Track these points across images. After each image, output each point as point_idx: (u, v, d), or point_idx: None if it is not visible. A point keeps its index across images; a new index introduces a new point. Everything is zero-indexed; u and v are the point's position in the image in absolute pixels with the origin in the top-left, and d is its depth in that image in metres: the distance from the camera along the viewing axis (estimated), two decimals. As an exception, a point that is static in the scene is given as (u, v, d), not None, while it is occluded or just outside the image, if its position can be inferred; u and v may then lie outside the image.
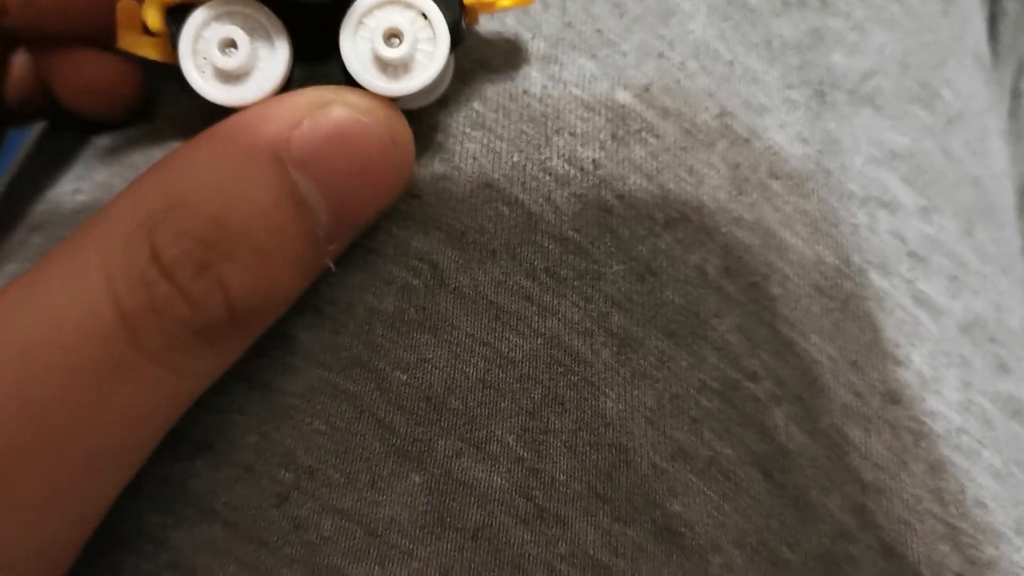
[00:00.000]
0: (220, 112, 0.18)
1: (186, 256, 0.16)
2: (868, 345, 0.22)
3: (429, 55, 0.18)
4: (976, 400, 0.22)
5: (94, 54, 0.22)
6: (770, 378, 0.21)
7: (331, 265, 0.18)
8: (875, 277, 0.22)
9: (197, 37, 0.18)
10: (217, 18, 0.18)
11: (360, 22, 0.18)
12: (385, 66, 0.18)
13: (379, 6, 0.18)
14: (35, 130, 0.26)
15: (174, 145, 0.22)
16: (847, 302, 0.22)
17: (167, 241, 0.16)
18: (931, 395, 0.22)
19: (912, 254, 0.23)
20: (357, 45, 0.18)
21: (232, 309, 0.16)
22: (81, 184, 0.22)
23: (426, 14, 0.18)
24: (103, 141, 0.23)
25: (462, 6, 0.18)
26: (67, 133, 0.24)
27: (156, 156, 0.22)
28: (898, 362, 0.22)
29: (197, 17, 0.18)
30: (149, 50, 0.19)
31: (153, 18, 0.18)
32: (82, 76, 0.22)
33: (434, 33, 0.18)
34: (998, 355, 0.23)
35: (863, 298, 0.22)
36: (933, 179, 0.24)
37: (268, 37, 0.18)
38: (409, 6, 0.18)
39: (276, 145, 0.17)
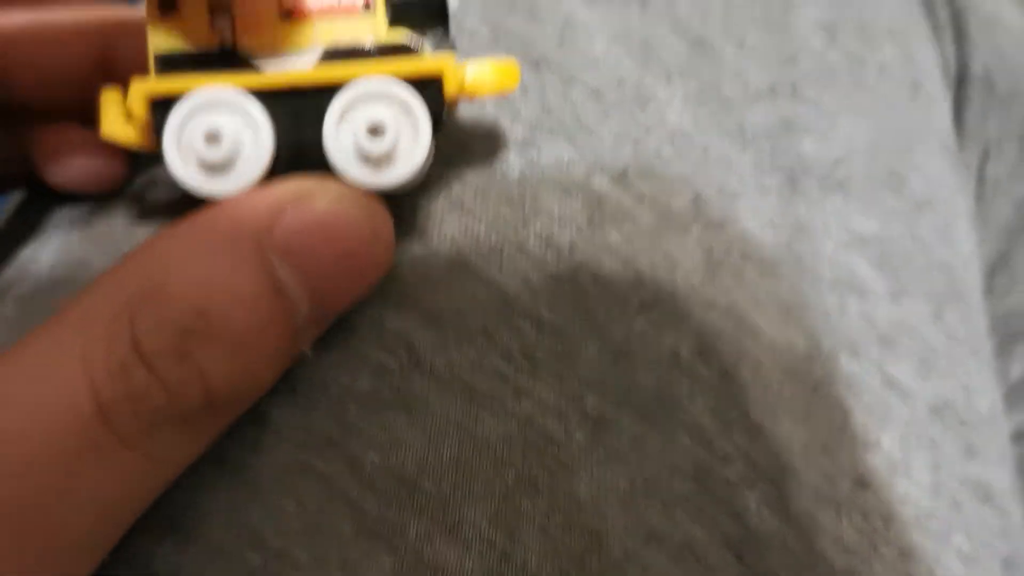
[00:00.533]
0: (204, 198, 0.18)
1: (166, 344, 0.16)
2: (838, 429, 0.22)
3: (411, 147, 0.18)
4: (946, 483, 0.23)
5: (77, 128, 0.22)
6: (742, 461, 0.21)
7: (309, 352, 0.18)
8: (845, 361, 0.22)
9: (182, 128, 0.18)
10: (202, 109, 0.18)
11: (343, 115, 0.18)
12: (367, 159, 0.18)
13: (362, 99, 0.18)
14: (12, 199, 0.26)
15: (154, 220, 0.22)
16: (818, 386, 0.22)
17: (147, 329, 0.16)
18: (901, 478, 0.22)
19: (882, 338, 0.23)
20: (340, 138, 0.18)
21: (210, 397, 0.16)
22: (59, 257, 0.22)
23: (408, 106, 0.18)
24: (81, 212, 0.23)
25: (443, 97, 0.18)
26: (45, 202, 0.24)
27: (136, 231, 0.22)
28: (868, 446, 0.22)
29: (182, 108, 0.18)
30: (133, 138, 0.19)
31: (138, 108, 0.18)
32: (64, 150, 0.22)
33: (416, 125, 0.18)
34: (967, 438, 0.24)
35: (833, 382, 0.22)
36: (902, 263, 0.24)
37: (253, 127, 0.18)
38: (392, 99, 0.18)
39: (258, 234, 0.17)
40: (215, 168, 0.18)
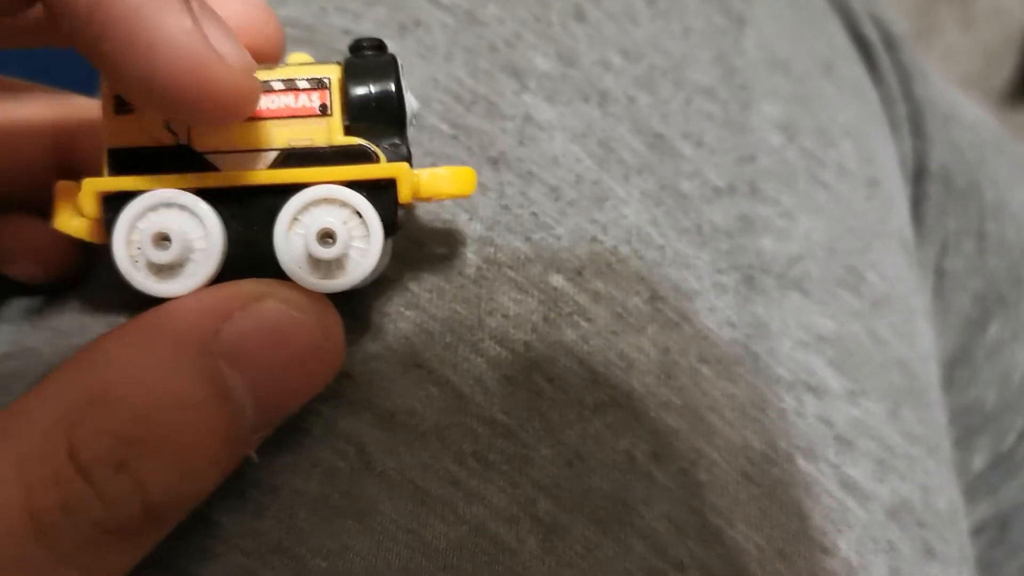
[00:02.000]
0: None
1: (104, 454, 0.15)
2: (795, 533, 0.22)
3: (362, 253, 0.18)
4: (904, 588, 0.22)
5: (30, 220, 0.22)
6: (697, 568, 0.21)
7: (254, 456, 0.18)
8: (802, 462, 0.22)
9: (131, 228, 0.18)
10: (152, 209, 0.18)
11: (295, 219, 0.18)
12: (318, 264, 0.18)
13: (314, 203, 0.18)
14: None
15: (107, 313, 0.22)
16: (774, 489, 0.22)
17: (86, 438, 0.15)
18: None
19: (839, 438, 0.23)
20: (291, 242, 0.18)
21: (149, 509, 0.16)
22: (10, 349, 0.22)
23: (360, 212, 0.18)
24: (35, 302, 0.23)
25: (396, 204, 0.19)
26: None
27: (89, 324, 0.22)
28: (825, 550, 0.22)
29: (132, 209, 0.18)
30: (84, 232, 0.19)
31: (89, 205, 0.18)
32: (18, 241, 0.22)
33: (368, 231, 0.18)
34: (925, 539, 0.23)
35: (790, 484, 0.22)
36: (860, 362, 0.25)
37: (204, 228, 0.18)
38: (344, 204, 0.18)
39: (204, 337, 0.17)
40: (164, 269, 0.18)
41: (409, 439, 0.20)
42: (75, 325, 0.22)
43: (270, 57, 0.21)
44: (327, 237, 0.18)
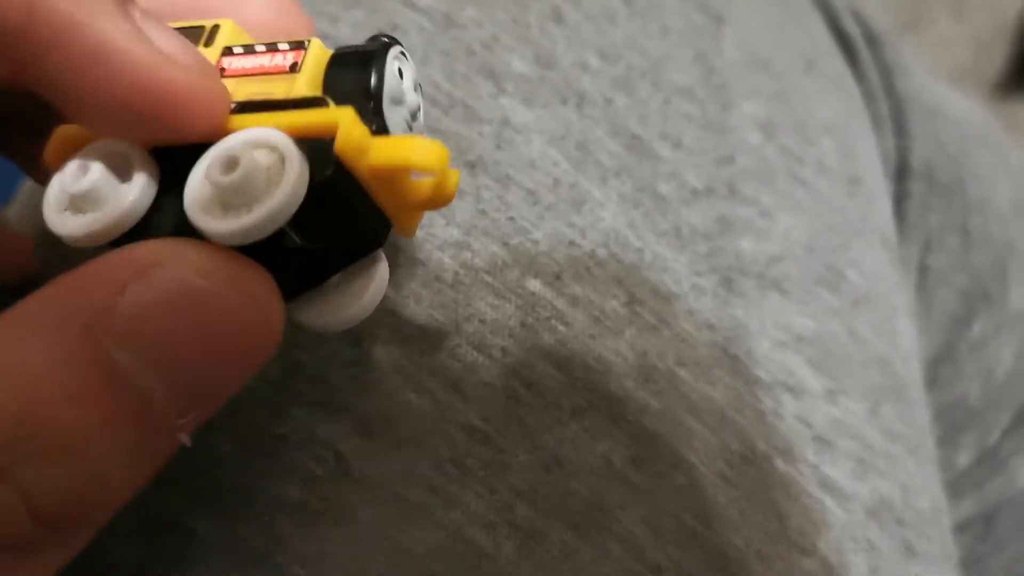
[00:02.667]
0: None
1: None
2: (773, 535, 0.22)
3: (274, 194, 0.15)
4: (884, 588, 0.22)
5: None
6: (674, 571, 0.21)
7: (186, 441, 0.15)
8: (780, 463, 0.22)
9: (63, 174, 0.16)
10: (88, 153, 0.16)
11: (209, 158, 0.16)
12: (220, 202, 0.15)
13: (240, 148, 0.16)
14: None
15: None
16: (753, 490, 0.22)
17: None
18: None
19: (817, 438, 0.23)
20: (199, 186, 0.16)
21: (41, 519, 0.14)
22: None
23: (281, 151, 0.15)
24: None
25: (331, 152, 0.15)
26: None
27: None
28: (804, 551, 0.22)
29: (78, 155, 0.16)
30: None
31: (52, 151, 0.17)
32: None
33: (284, 163, 0.15)
34: (905, 538, 0.23)
35: (768, 486, 0.22)
36: (839, 361, 0.25)
37: (130, 176, 0.16)
38: (272, 149, 0.16)
39: (91, 318, 0.14)
40: (80, 205, 0.16)
41: (387, 445, 0.20)
42: None
43: None
44: (230, 165, 0.15)
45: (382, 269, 0.18)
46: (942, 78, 0.37)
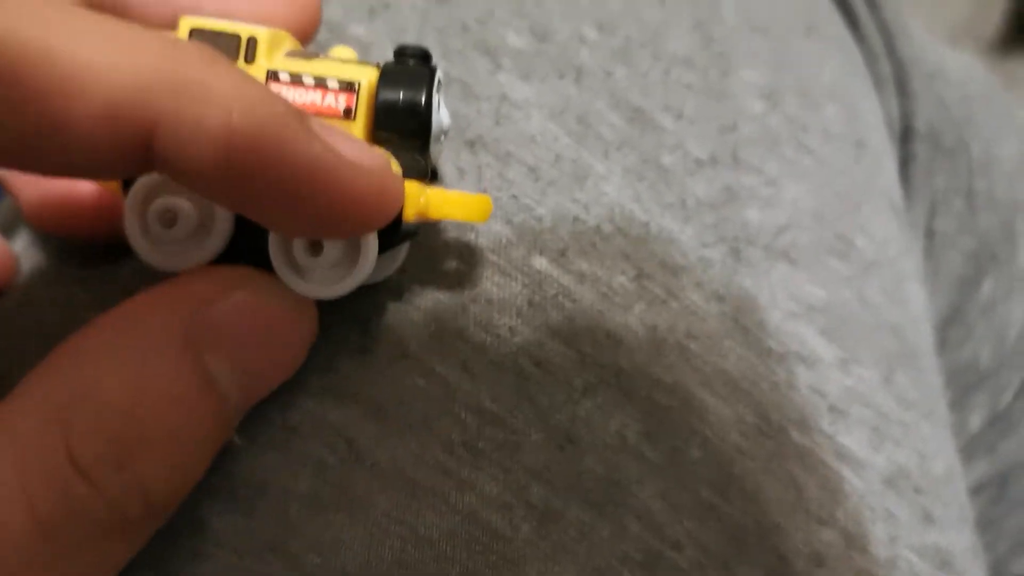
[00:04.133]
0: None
1: (102, 455, 0.16)
2: (791, 506, 0.21)
3: (350, 266, 0.18)
4: (903, 555, 0.22)
5: None
6: (693, 546, 0.20)
7: (236, 439, 0.19)
8: (795, 434, 0.22)
9: (144, 203, 0.18)
10: (163, 188, 0.18)
11: None
12: (301, 269, 0.18)
13: None
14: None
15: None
16: (769, 462, 0.22)
17: (82, 440, 0.15)
18: (857, 553, 0.22)
19: (832, 408, 0.23)
20: (284, 244, 0.18)
21: (150, 504, 0.16)
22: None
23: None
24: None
25: (399, 218, 0.18)
26: None
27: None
28: (822, 521, 0.22)
29: (141, 185, 0.18)
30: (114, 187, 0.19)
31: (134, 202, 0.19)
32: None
33: (359, 247, 0.18)
34: (923, 505, 0.23)
35: (784, 457, 0.22)
36: (851, 330, 0.24)
37: (211, 211, 0.18)
38: None
39: (185, 328, 0.17)
40: (168, 244, 0.18)
41: (398, 430, 0.20)
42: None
43: (304, 35, 0.20)
44: (316, 246, 0.18)
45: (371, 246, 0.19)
46: (940, 36, 0.37)
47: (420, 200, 0.18)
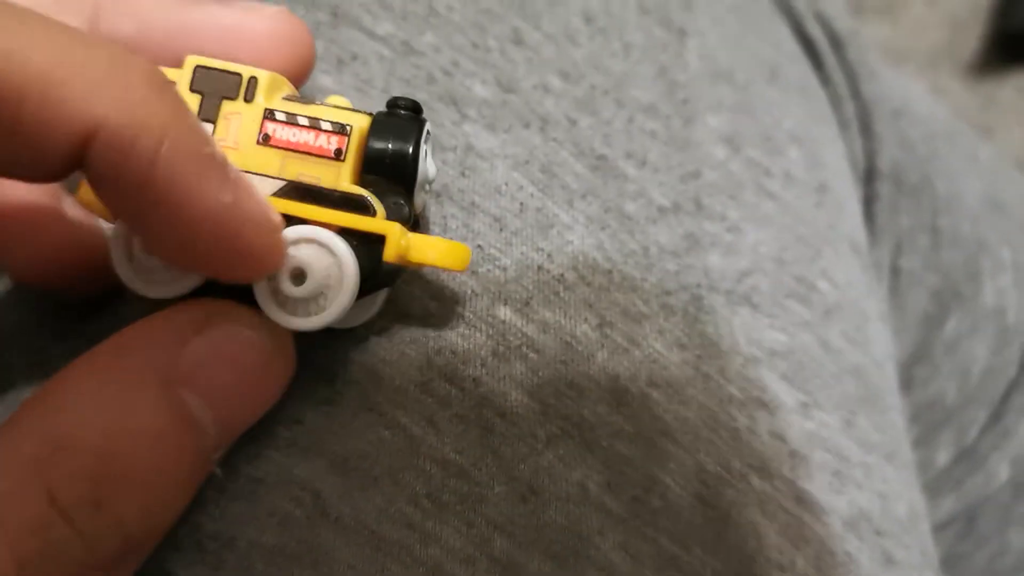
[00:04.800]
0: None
1: (81, 496, 0.16)
2: (751, 554, 0.22)
3: (332, 300, 0.19)
4: (863, 599, 0.23)
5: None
6: None
7: (218, 471, 0.19)
8: (756, 481, 0.22)
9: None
10: None
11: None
12: (286, 300, 0.19)
13: (302, 241, 0.19)
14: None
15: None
16: (729, 510, 0.22)
17: (62, 481, 0.16)
18: None
19: (793, 453, 0.23)
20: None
21: (127, 541, 0.17)
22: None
23: (340, 263, 0.19)
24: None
25: (379, 260, 0.19)
26: None
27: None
28: (782, 568, 0.22)
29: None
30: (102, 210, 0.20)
31: (84, 193, 0.19)
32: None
33: (342, 282, 0.19)
34: (884, 548, 0.24)
35: (745, 504, 0.22)
36: (812, 374, 0.25)
37: None
38: (328, 249, 0.19)
39: (163, 366, 0.17)
40: (152, 272, 0.19)
41: (363, 483, 0.20)
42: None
43: (299, 75, 0.21)
44: (299, 276, 0.19)
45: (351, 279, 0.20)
46: (918, 60, 0.37)
47: (401, 243, 0.19)
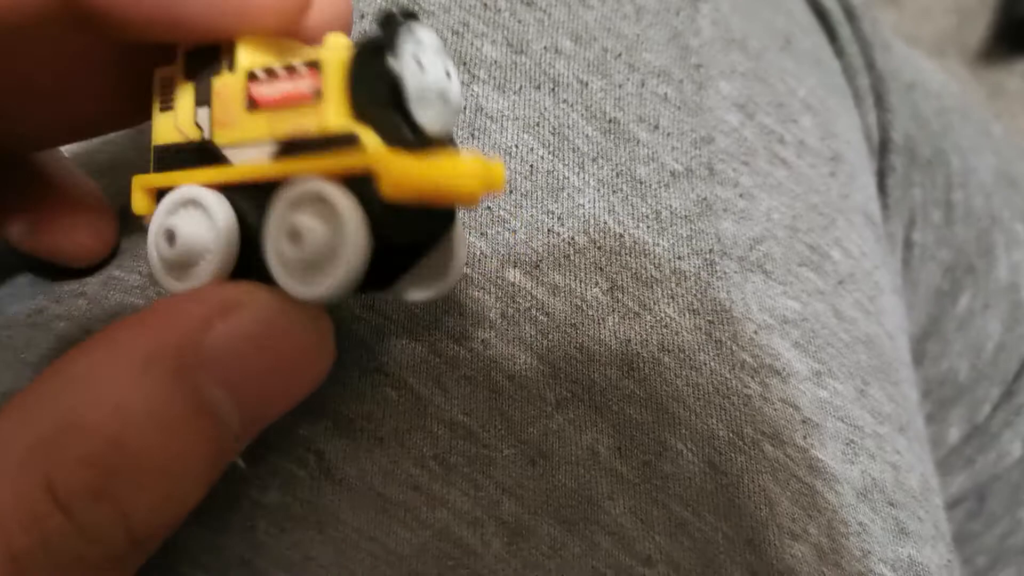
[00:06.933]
0: None
1: (82, 485, 0.14)
2: (763, 521, 0.21)
3: (337, 256, 0.16)
4: (876, 569, 0.22)
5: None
6: (665, 562, 0.20)
7: (240, 463, 0.17)
8: (768, 448, 0.22)
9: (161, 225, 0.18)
10: (180, 205, 0.18)
11: (282, 217, 0.17)
12: (291, 266, 0.17)
13: (299, 200, 0.16)
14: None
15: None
16: (741, 476, 0.22)
17: (62, 469, 0.15)
18: (829, 568, 0.22)
19: (806, 421, 0.23)
20: (273, 244, 0.17)
21: (133, 536, 0.15)
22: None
23: (335, 211, 0.16)
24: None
25: (380, 198, 0.15)
26: None
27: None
28: (795, 536, 0.22)
29: (163, 205, 0.18)
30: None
31: (139, 200, 0.19)
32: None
33: (344, 233, 0.16)
34: (897, 518, 0.23)
35: (757, 471, 0.22)
36: (825, 342, 0.24)
37: (215, 228, 0.17)
38: (322, 202, 0.16)
39: (183, 352, 0.15)
40: (175, 266, 0.18)
41: (369, 444, 0.20)
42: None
43: (308, 26, 0.18)
44: (295, 236, 0.16)
45: (459, 237, 0.19)
46: (926, 47, 0.37)
47: (406, 169, 0.15)
